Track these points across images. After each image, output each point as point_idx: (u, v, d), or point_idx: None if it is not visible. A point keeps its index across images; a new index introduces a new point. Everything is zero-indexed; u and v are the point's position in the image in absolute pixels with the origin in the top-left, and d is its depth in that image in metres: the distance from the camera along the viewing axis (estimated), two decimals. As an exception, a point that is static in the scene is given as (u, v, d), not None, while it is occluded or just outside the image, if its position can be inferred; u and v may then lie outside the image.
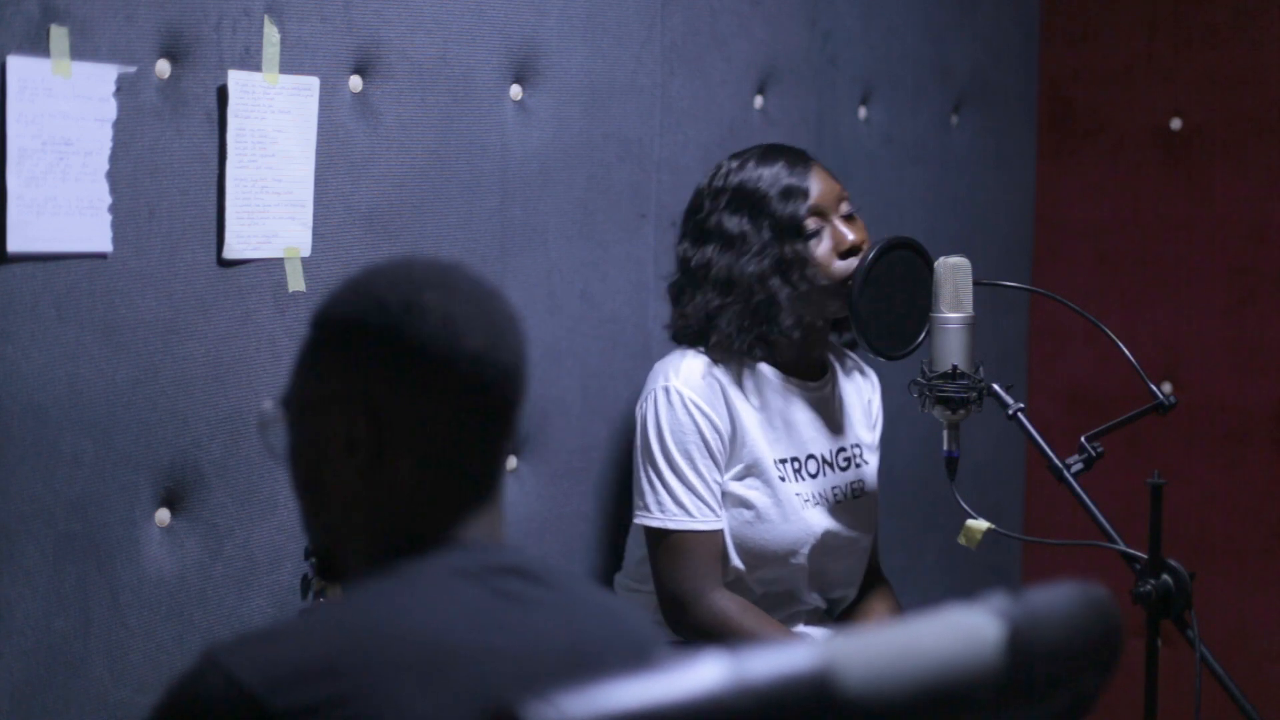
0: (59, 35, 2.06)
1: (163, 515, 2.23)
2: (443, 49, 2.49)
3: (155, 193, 2.19)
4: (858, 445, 2.72)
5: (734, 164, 2.60)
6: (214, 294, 2.26)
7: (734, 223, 2.56)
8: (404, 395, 1.44)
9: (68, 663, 2.13)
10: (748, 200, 2.56)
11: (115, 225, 2.15)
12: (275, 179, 2.30)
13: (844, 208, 2.59)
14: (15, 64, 2.02)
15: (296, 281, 2.34)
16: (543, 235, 2.66)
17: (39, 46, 2.04)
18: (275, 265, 2.32)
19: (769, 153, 2.60)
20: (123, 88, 2.13)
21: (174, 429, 2.22)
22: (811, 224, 2.55)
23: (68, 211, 2.09)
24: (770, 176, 2.56)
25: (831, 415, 2.68)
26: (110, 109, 2.11)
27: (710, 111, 2.92)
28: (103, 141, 2.11)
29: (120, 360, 2.17)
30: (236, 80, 2.24)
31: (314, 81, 2.33)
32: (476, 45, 2.54)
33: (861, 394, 2.76)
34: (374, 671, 1.33)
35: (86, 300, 2.13)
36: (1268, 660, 3.45)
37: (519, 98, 2.61)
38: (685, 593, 2.51)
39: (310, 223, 2.35)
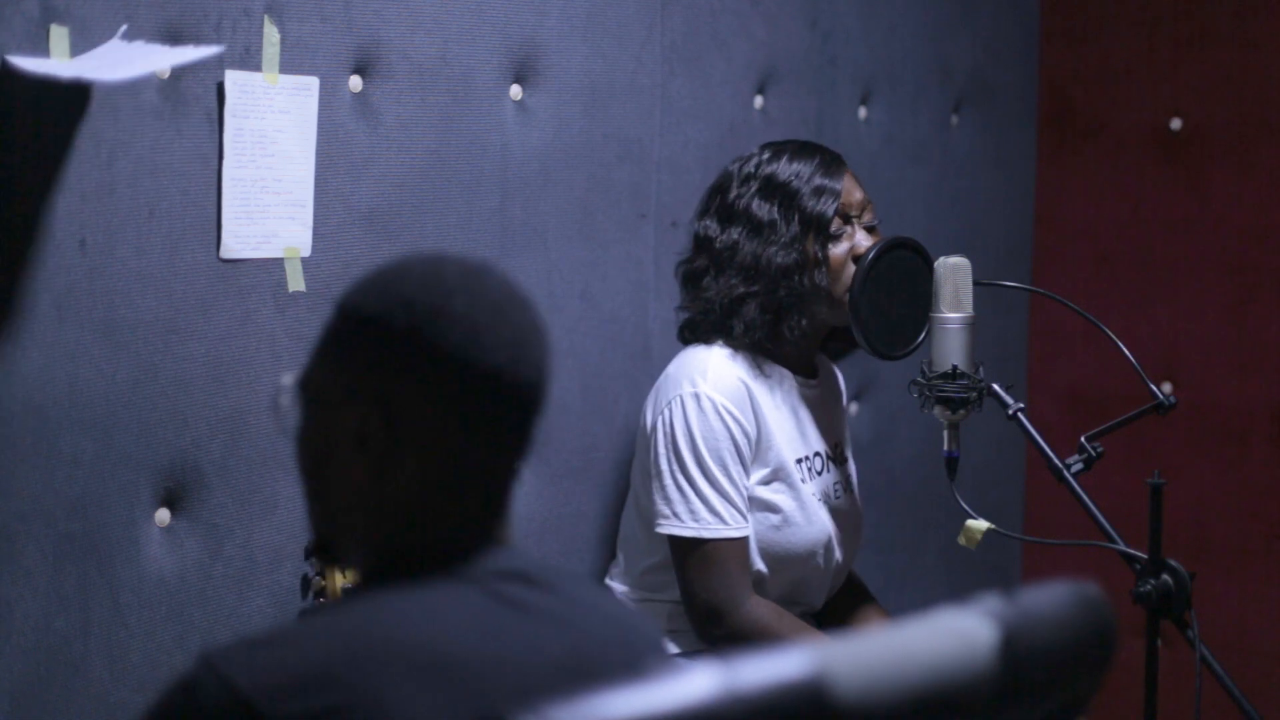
0: (59, 35, 2.06)
1: (163, 515, 2.23)
2: (443, 49, 2.49)
3: (155, 193, 2.19)
4: (844, 442, 2.73)
5: (767, 154, 2.60)
6: (214, 294, 2.26)
7: (764, 210, 2.55)
8: (420, 400, 1.42)
9: (68, 663, 2.13)
10: (779, 190, 2.56)
11: (119, 225, 2.15)
12: (275, 179, 2.30)
13: (867, 217, 2.60)
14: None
15: (296, 281, 2.34)
16: (543, 235, 2.66)
17: (39, 46, 2.04)
18: (275, 265, 2.32)
19: (805, 149, 2.61)
20: (128, 88, 2.13)
21: (174, 429, 2.22)
22: (835, 225, 2.56)
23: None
24: (804, 172, 2.56)
25: (826, 412, 2.68)
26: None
27: (710, 111, 2.92)
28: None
29: (120, 360, 2.17)
30: (236, 80, 2.24)
31: (314, 81, 2.33)
32: (476, 45, 2.54)
33: (838, 392, 2.77)
34: (372, 679, 1.32)
35: (86, 300, 2.13)
36: (1268, 660, 3.45)
37: (519, 98, 2.61)
38: (722, 601, 2.48)
39: (310, 223, 2.35)
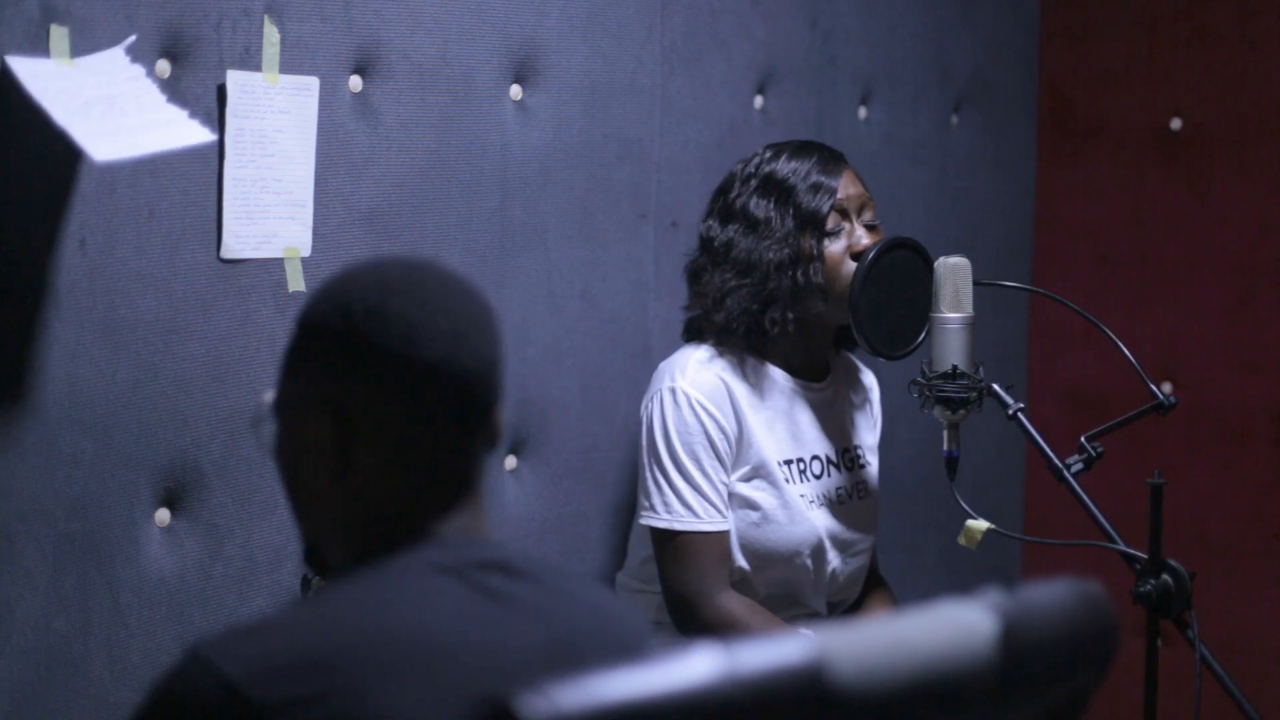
0: (59, 35, 2.06)
1: (163, 515, 2.23)
2: (443, 49, 2.49)
3: (155, 193, 2.19)
4: (860, 446, 2.72)
5: (768, 153, 2.62)
6: (214, 294, 2.26)
7: (760, 207, 2.57)
8: (364, 400, 1.45)
9: (68, 663, 2.13)
10: (776, 188, 2.58)
11: (119, 225, 2.15)
12: (275, 179, 2.30)
13: (867, 215, 2.60)
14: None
15: (296, 281, 2.34)
16: (543, 235, 2.66)
17: (39, 46, 2.04)
18: (275, 265, 2.32)
19: (805, 147, 2.62)
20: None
21: (174, 429, 2.22)
22: (832, 222, 2.56)
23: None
24: (802, 169, 2.58)
25: (835, 417, 2.68)
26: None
27: (710, 111, 2.92)
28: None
29: (120, 360, 2.17)
30: (236, 80, 2.24)
31: (314, 81, 2.33)
32: (476, 45, 2.54)
33: (862, 396, 2.77)
34: (358, 666, 1.35)
35: (86, 300, 2.13)
36: (1268, 660, 3.45)
37: (519, 98, 2.61)
38: (693, 594, 2.51)
39: (310, 223, 2.35)
